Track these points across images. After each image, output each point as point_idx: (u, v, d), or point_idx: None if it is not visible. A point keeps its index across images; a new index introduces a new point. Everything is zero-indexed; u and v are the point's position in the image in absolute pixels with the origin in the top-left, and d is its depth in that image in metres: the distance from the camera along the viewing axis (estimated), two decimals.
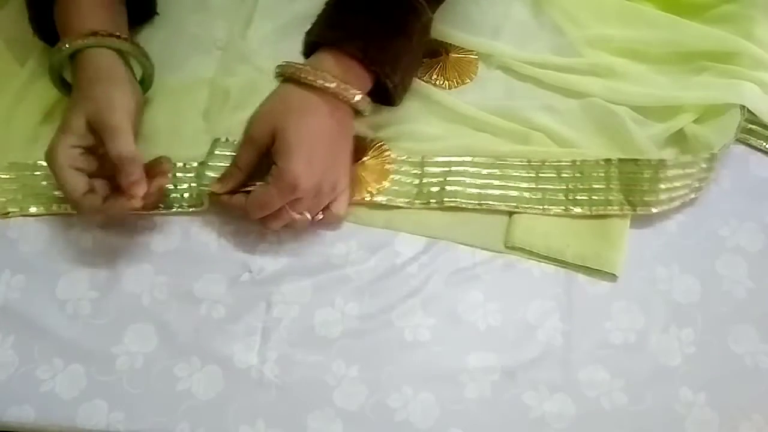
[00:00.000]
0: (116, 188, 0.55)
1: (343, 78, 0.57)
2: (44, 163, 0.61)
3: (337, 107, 0.58)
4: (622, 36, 0.67)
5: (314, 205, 0.58)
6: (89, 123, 0.56)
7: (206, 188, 0.59)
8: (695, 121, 0.63)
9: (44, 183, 0.62)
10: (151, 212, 0.61)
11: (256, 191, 0.56)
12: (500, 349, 0.56)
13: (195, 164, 0.62)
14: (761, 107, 0.62)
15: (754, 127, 0.64)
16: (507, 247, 0.60)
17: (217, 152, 0.61)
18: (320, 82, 0.57)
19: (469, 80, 0.67)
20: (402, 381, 0.55)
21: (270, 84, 0.62)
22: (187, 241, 0.61)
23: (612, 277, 0.58)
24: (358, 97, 0.58)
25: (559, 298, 0.58)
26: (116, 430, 0.53)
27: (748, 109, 0.62)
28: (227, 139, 0.62)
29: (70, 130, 0.56)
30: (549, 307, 0.57)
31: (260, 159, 0.58)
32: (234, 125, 0.61)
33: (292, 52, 0.67)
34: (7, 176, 0.62)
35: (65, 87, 0.63)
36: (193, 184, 0.61)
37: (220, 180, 0.58)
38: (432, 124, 0.64)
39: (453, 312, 0.57)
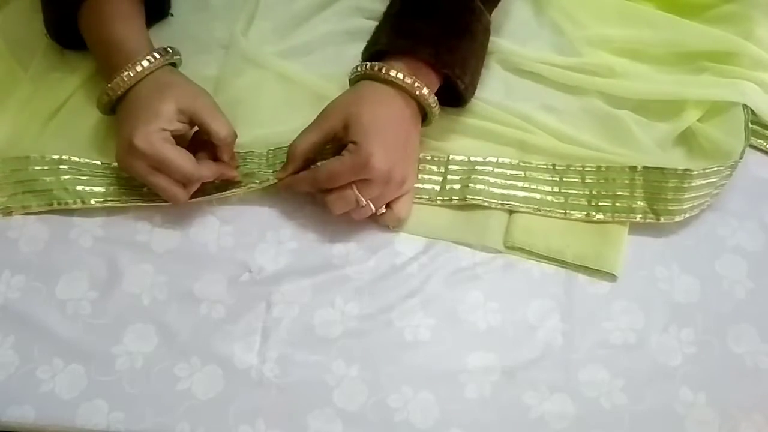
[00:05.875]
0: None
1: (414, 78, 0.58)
2: (43, 157, 0.61)
3: (408, 103, 0.58)
4: (622, 36, 0.67)
5: (381, 196, 0.57)
6: (180, 109, 0.57)
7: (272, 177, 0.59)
8: (699, 120, 0.63)
9: (47, 179, 0.61)
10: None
11: (328, 160, 0.57)
12: (500, 349, 0.56)
13: None
14: (762, 107, 0.62)
15: (754, 126, 0.64)
16: (507, 247, 0.60)
17: None
18: (393, 73, 0.57)
19: None
20: (402, 381, 0.55)
21: (275, 83, 0.62)
22: (187, 241, 0.61)
23: (612, 277, 0.58)
24: (426, 92, 0.58)
25: (559, 298, 0.58)
26: (116, 430, 0.53)
27: (750, 109, 0.62)
28: None
29: (159, 116, 0.56)
30: (549, 307, 0.57)
31: (322, 146, 0.58)
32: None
33: (294, 50, 0.68)
34: (3, 173, 0.62)
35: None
36: None
37: (283, 167, 0.59)
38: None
39: (453, 312, 0.57)
